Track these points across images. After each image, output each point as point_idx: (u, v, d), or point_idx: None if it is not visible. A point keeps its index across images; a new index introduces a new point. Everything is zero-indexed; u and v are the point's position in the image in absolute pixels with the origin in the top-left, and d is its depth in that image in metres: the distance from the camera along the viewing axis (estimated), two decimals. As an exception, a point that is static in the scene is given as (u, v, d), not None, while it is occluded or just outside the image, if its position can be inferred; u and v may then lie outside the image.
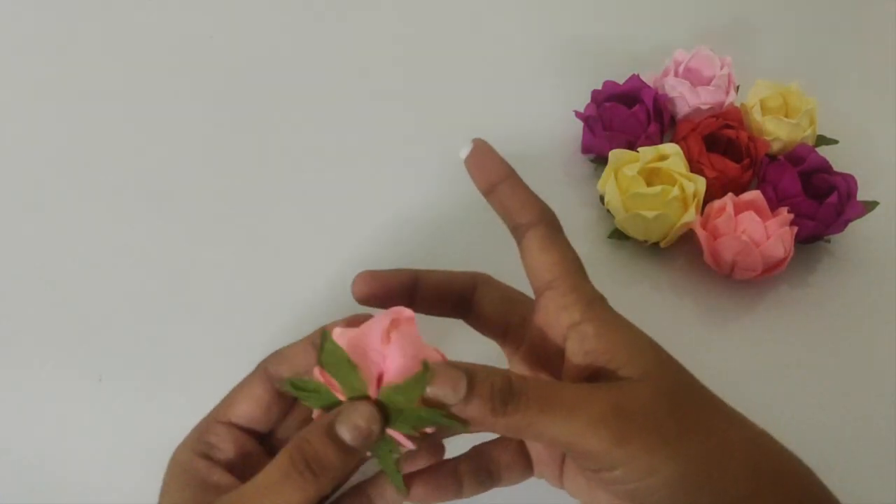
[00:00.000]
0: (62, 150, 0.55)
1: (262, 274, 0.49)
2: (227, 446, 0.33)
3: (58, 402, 0.44)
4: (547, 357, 0.33)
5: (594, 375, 0.30)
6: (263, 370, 0.34)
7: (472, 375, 0.27)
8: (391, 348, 0.28)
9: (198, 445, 0.33)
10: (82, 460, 0.42)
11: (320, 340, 0.29)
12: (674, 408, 0.29)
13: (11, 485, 0.41)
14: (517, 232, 0.32)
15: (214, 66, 0.61)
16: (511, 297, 0.36)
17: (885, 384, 0.47)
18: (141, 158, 0.55)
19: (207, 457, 0.33)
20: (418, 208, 0.53)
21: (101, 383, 0.45)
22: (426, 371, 0.27)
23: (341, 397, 0.29)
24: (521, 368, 0.35)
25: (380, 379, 0.28)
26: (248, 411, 0.34)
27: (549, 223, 0.32)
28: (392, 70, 0.62)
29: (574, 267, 0.32)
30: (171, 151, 0.56)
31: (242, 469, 0.33)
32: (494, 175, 0.32)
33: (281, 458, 0.28)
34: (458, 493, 0.33)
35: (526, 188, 0.33)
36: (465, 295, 0.36)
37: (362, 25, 0.65)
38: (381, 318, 0.29)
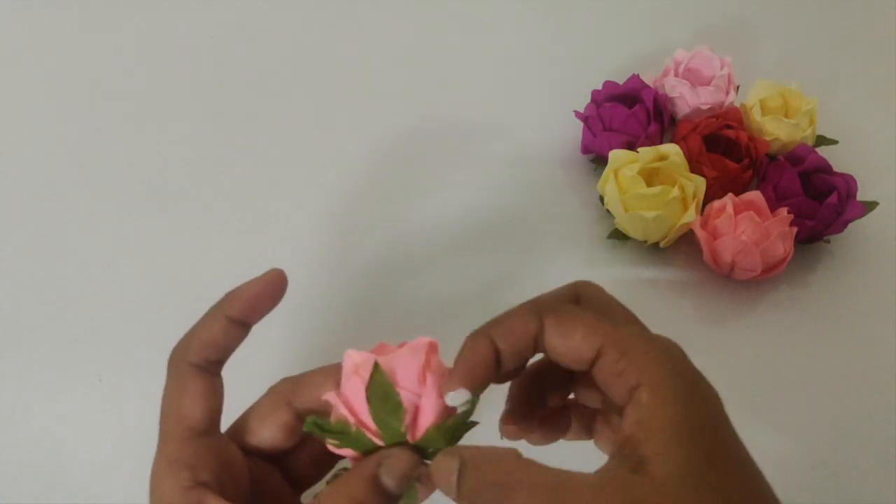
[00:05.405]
0: (62, 150, 0.55)
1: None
2: (216, 468, 0.30)
3: (57, 402, 0.44)
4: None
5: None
6: (283, 397, 0.32)
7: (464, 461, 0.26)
8: (428, 389, 0.28)
9: (182, 473, 0.29)
10: (82, 460, 0.42)
11: (370, 372, 0.27)
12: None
13: (11, 484, 0.41)
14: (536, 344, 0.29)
15: (214, 66, 0.61)
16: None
17: (885, 384, 0.47)
18: (141, 158, 0.55)
19: (201, 484, 0.29)
20: (419, 207, 0.53)
21: (100, 383, 0.45)
22: (472, 406, 0.28)
23: (378, 441, 0.28)
24: None
25: (414, 418, 0.28)
26: (271, 438, 0.32)
27: (552, 309, 0.29)
28: (393, 70, 0.62)
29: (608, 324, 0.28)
30: (172, 151, 0.56)
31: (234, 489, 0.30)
32: (482, 367, 0.29)
33: None
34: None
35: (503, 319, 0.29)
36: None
37: (363, 26, 0.65)
38: (412, 354, 0.28)
